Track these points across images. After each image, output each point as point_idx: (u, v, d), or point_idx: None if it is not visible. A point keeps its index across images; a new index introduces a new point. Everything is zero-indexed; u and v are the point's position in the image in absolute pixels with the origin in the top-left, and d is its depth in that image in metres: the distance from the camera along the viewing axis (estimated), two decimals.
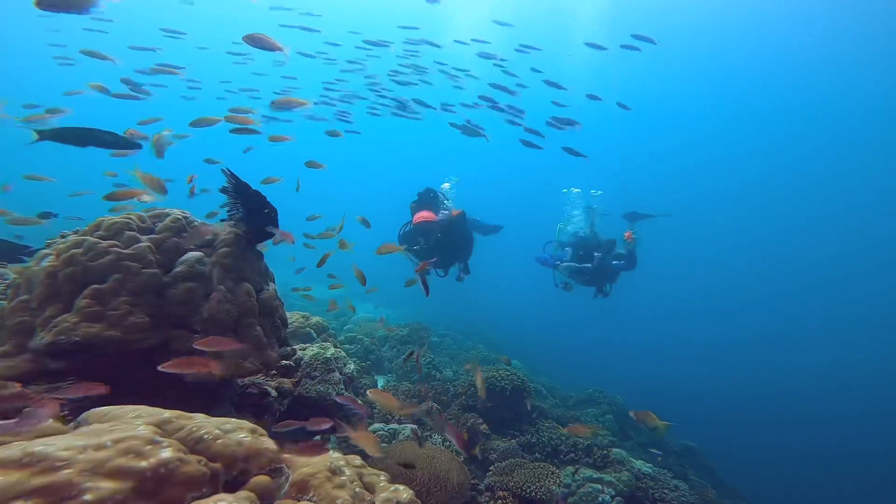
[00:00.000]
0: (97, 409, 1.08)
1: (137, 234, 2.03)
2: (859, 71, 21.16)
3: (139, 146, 2.82)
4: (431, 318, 11.38)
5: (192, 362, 1.40)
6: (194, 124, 3.54)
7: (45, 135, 2.44)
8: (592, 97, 6.56)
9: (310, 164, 4.08)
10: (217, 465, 0.91)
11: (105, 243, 1.86)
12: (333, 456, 1.26)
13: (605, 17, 19.79)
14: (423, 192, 5.71)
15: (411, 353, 4.19)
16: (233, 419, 1.07)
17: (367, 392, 2.62)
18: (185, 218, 2.28)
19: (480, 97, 6.47)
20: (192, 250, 2.20)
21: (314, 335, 6.21)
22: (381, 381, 6.51)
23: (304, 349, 3.99)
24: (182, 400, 2.13)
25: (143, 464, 0.80)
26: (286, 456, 1.06)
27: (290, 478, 1.00)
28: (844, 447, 15.09)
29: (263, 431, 1.09)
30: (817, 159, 28.68)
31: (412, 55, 7.94)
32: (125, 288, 1.84)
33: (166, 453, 0.84)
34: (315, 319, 6.39)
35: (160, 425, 0.94)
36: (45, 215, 3.62)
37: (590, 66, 22.91)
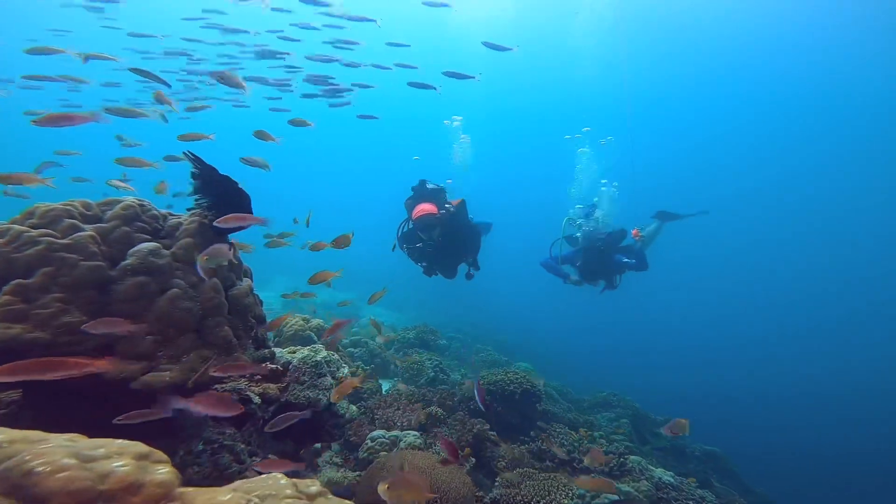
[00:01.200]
0: None
1: (79, 223, 1.79)
2: (879, 69, 20.28)
3: None
4: (439, 321, 11.10)
5: (44, 364, 1.08)
6: (112, 112, 3.13)
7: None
8: (491, 46, 5.59)
9: (258, 135, 3.44)
10: None
11: (35, 232, 1.62)
12: (273, 484, 0.99)
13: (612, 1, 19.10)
14: (418, 186, 5.21)
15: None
16: (118, 441, 0.80)
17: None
18: (141, 206, 2.04)
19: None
20: (146, 240, 1.95)
21: (315, 338, 6.01)
22: (385, 385, 6.27)
23: (294, 351, 3.75)
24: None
25: None
26: (186, 490, 0.79)
27: None
28: (870, 446, 14.41)
29: (162, 457, 0.82)
30: (840, 159, 27.74)
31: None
32: (57, 283, 1.59)
33: None
34: (315, 322, 6.19)
35: None
36: None
37: (599, 59, 22.49)
